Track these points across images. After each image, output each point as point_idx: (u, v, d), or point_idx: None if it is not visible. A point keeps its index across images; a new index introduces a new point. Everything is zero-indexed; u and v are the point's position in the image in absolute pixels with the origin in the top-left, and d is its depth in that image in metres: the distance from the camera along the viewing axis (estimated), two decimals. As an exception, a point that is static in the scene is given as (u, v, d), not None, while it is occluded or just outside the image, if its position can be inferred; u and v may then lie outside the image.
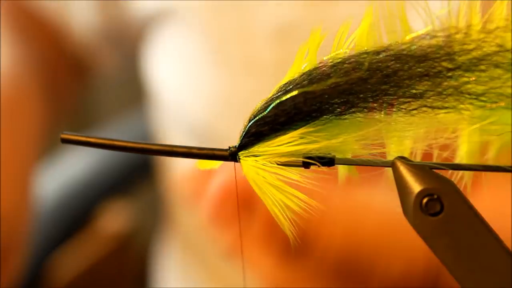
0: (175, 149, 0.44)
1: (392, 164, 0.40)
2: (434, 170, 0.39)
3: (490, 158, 0.41)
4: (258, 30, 0.82)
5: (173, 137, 0.93)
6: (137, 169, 1.28)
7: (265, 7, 0.82)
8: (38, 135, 0.87)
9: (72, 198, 1.19)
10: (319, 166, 0.41)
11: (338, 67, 0.42)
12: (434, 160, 0.41)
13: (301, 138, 0.42)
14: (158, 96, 0.94)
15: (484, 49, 0.40)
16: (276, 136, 0.42)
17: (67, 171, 1.21)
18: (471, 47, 0.40)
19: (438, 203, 0.38)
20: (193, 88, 0.89)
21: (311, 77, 0.42)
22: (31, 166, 0.83)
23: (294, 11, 0.81)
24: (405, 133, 0.42)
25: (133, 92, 1.21)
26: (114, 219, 1.25)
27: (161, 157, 0.98)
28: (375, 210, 0.63)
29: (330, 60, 0.42)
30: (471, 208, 0.37)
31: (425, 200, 0.38)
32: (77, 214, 1.21)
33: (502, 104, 0.40)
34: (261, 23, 0.82)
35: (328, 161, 0.41)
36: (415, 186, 0.39)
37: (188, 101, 0.89)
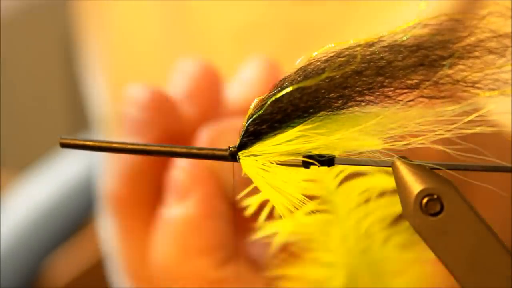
0: (174, 149, 0.44)
1: (391, 164, 0.39)
2: (434, 170, 0.39)
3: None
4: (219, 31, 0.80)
5: None
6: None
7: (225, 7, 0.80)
8: None
9: (70, 198, 1.20)
10: (318, 166, 0.41)
11: (332, 61, 0.41)
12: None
13: (300, 136, 0.41)
14: None
15: (478, 35, 0.40)
16: (275, 135, 0.42)
17: (63, 174, 1.21)
18: (464, 34, 0.40)
19: (438, 203, 0.38)
20: None
21: (306, 72, 0.41)
22: None
23: (256, 11, 0.79)
24: (404, 127, 0.41)
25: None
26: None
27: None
28: None
29: (324, 55, 0.42)
30: (471, 208, 0.37)
31: (425, 200, 0.38)
32: (76, 214, 1.22)
33: (498, 92, 0.39)
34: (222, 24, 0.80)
35: (327, 160, 0.41)
36: (415, 186, 0.38)
37: None
